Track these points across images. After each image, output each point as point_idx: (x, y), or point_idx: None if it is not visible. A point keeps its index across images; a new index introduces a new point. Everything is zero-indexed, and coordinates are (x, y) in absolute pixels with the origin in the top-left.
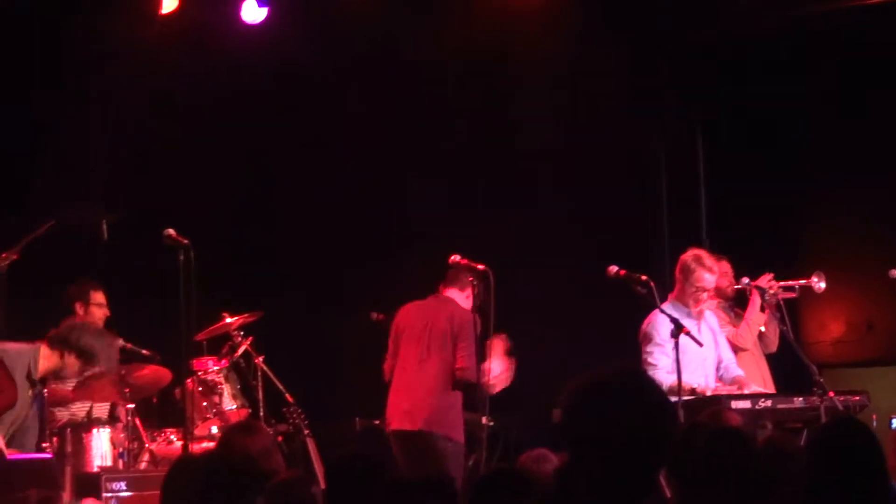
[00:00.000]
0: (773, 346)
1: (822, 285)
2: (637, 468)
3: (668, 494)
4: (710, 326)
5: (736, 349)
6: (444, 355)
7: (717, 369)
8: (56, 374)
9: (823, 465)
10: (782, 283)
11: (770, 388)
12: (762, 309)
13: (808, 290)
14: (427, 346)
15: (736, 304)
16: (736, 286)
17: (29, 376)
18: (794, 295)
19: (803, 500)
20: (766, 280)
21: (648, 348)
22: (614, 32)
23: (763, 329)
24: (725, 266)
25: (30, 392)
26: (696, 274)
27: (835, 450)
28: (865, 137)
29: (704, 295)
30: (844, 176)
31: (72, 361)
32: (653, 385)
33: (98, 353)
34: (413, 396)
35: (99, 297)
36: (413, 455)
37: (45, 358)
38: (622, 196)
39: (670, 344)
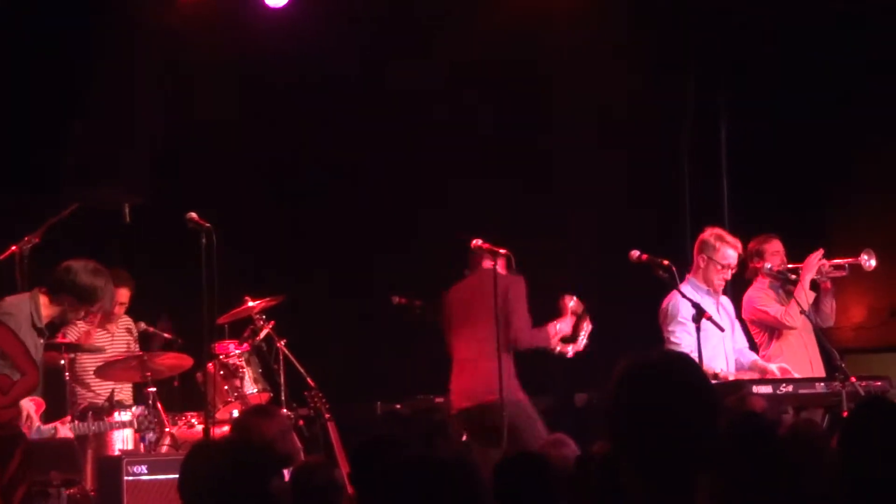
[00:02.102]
0: (831, 321)
1: (873, 263)
2: (678, 453)
3: None
4: (725, 308)
5: (783, 328)
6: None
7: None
8: (61, 320)
9: (856, 444)
10: (832, 262)
11: (817, 368)
12: (813, 286)
13: (857, 268)
14: (477, 320)
15: (789, 282)
16: (765, 270)
17: (34, 325)
18: (843, 273)
19: (836, 481)
20: (816, 258)
21: (671, 327)
22: (640, 9)
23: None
24: (777, 245)
25: (40, 341)
26: (721, 251)
27: (868, 429)
28: (889, 125)
29: (729, 273)
30: (868, 158)
31: (71, 302)
32: (697, 370)
33: (97, 289)
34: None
35: (120, 294)
36: (488, 429)
37: (45, 305)
38: (644, 178)
39: (692, 324)
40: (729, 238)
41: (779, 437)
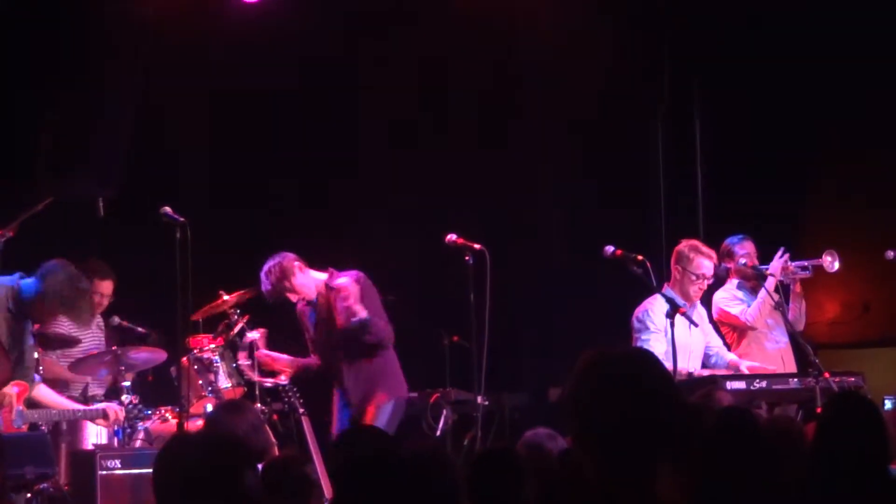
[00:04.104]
0: (801, 324)
1: (836, 265)
2: (639, 447)
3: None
4: (700, 318)
5: (745, 328)
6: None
7: (709, 357)
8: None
9: (830, 437)
10: (797, 263)
11: (789, 365)
12: (777, 288)
13: (820, 269)
14: None
15: (763, 279)
16: (739, 265)
17: (9, 309)
18: (808, 275)
19: (808, 473)
20: (778, 258)
21: (644, 336)
22: (612, 4)
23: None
24: (748, 246)
25: (13, 323)
26: (695, 262)
27: (841, 422)
28: (863, 116)
29: (705, 283)
30: (841, 156)
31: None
32: (660, 366)
33: (67, 296)
34: None
35: (104, 286)
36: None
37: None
38: (618, 176)
39: (664, 332)
40: (704, 249)
41: (759, 431)
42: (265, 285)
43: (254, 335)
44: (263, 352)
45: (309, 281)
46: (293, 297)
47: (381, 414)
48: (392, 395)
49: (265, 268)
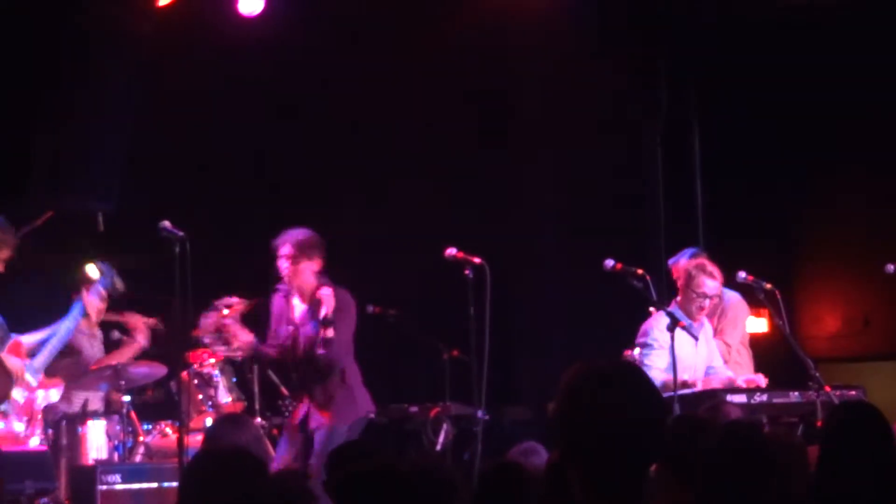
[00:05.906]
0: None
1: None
2: (626, 462)
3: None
4: (706, 336)
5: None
6: None
7: (708, 376)
8: None
9: (835, 449)
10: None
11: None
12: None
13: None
14: None
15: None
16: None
17: None
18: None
19: (815, 483)
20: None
21: (646, 351)
22: (612, 23)
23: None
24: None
25: None
26: (697, 280)
27: (846, 432)
28: (865, 128)
29: (706, 301)
30: (842, 170)
31: None
32: (648, 381)
33: None
34: None
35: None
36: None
37: None
38: (617, 188)
39: (667, 347)
40: (708, 268)
41: (766, 445)
42: (287, 246)
43: (231, 301)
44: (230, 320)
45: (311, 277)
46: (289, 279)
47: (333, 436)
48: (342, 420)
49: (299, 233)
